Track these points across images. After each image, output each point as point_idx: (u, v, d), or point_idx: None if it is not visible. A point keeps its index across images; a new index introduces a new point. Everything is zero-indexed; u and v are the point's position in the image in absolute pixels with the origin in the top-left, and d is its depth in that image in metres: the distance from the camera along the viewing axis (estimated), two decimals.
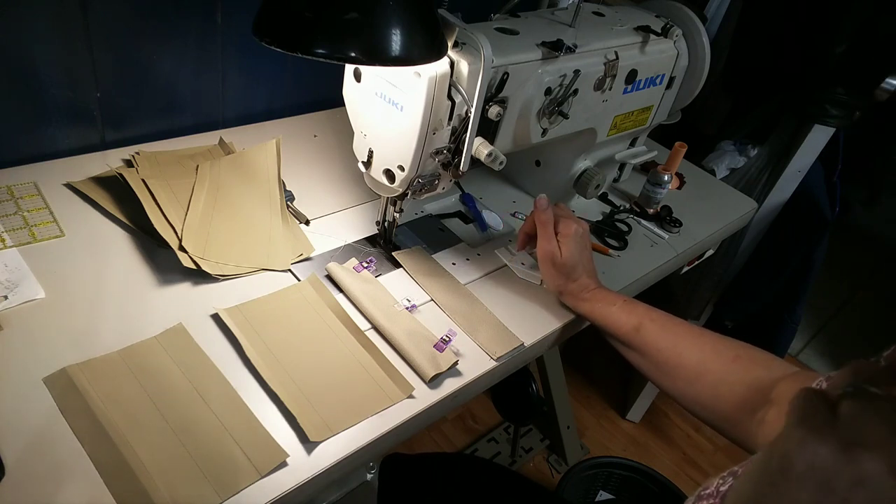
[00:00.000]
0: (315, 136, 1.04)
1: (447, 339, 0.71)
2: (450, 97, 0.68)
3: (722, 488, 0.45)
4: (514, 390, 1.33)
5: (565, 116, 0.83)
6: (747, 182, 1.35)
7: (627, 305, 0.76)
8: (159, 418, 0.58)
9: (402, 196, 0.77)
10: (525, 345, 0.76)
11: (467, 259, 0.87)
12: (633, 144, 1.07)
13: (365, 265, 0.80)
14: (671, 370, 0.71)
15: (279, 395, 0.62)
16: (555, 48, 0.77)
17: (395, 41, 0.57)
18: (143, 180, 0.79)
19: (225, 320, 0.68)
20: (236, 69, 0.98)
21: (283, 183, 0.87)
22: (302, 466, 0.58)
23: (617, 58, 0.85)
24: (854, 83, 1.18)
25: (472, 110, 0.68)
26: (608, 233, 0.98)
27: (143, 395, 0.60)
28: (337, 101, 0.76)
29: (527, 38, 0.77)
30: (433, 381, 0.68)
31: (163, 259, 0.74)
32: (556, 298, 0.82)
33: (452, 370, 0.70)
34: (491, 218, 0.95)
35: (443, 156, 0.72)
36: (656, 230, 1.02)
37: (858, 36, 1.14)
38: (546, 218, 0.78)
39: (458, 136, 0.72)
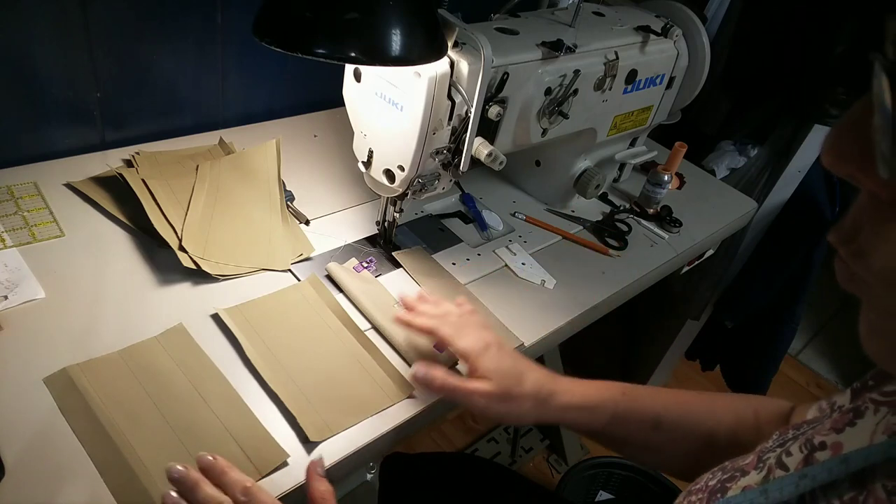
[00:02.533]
0: (315, 136, 1.04)
1: None
2: (450, 97, 0.68)
3: (710, 482, 0.46)
4: None
5: (565, 116, 0.83)
6: (747, 182, 1.34)
7: (628, 401, 0.63)
8: (160, 418, 0.58)
9: (402, 196, 0.77)
10: (525, 345, 0.76)
11: (467, 259, 0.87)
12: (633, 144, 1.07)
13: (365, 265, 0.80)
14: (704, 460, 0.62)
15: (279, 395, 0.62)
16: (555, 48, 0.77)
17: (395, 41, 0.57)
18: (143, 180, 0.79)
19: (225, 320, 0.68)
20: (236, 69, 0.98)
21: (283, 183, 0.87)
22: (302, 466, 0.58)
23: (617, 58, 0.85)
24: (854, 83, 1.18)
25: (472, 110, 0.68)
26: (608, 233, 0.98)
27: (144, 395, 0.60)
28: (337, 101, 0.76)
29: (527, 38, 0.77)
30: None
31: (163, 259, 0.74)
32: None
33: (452, 370, 0.70)
34: (491, 218, 0.95)
35: (443, 156, 0.72)
36: (656, 230, 1.02)
37: (858, 36, 1.14)
38: (438, 386, 0.60)
39: (458, 136, 0.72)
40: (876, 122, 0.25)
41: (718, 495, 0.43)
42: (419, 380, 0.60)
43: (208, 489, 0.48)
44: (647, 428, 0.62)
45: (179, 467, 0.48)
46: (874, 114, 0.25)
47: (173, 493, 0.48)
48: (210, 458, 0.50)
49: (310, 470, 0.54)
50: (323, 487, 0.53)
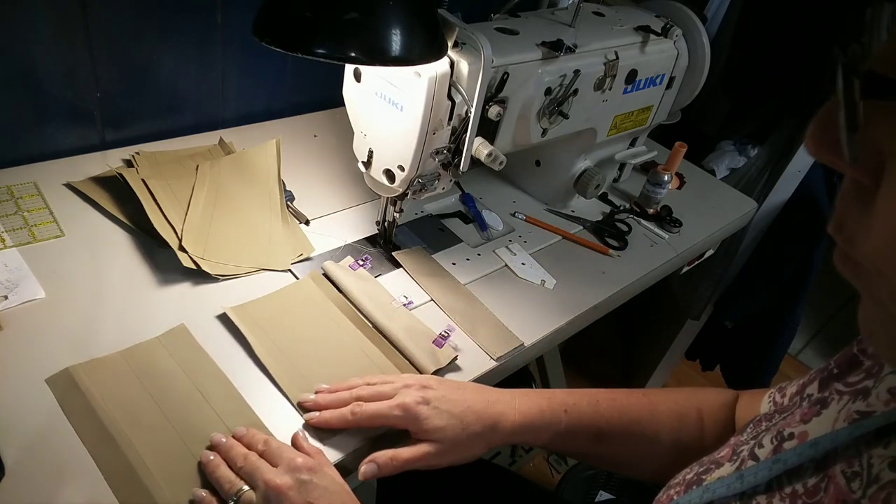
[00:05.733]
0: (315, 136, 1.04)
1: (446, 334, 0.71)
2: (450, 97, 0.68)
3: (688, 476, 0.48)
4: None
5: (565, 116, 0.83)
6: (747, 182, 1.34)
7: (570, 419, 0.63)
8: (162, 419, 0.58)
9: (402, 196, 0.77)
10: (525, 345, 0.76)
11: (467, 259, 0.87)
12: (633, 144, 1.07)
13: (360, 263, 0.80)
14: (647, 462, 0.66)
15: (288, 393, 0.62)
16: (555, 48, 0.77)
17: (395, 41, 0.57)
18: (143, 180, 0.79)
19: (233, 319, 0.68)
20: (236, 69, 0.98)
21: (283, 183, 0.87)
22: None
23: (617, 58, 0.85)
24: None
25: (472, 110, 0.68)
26: (608, 233, 0.98)
27: (146, 396, 0.60)
28: (337, 101, 0.76)
29: (527, 38, 0.77)
30: None
31: (163, 259, 0.74)
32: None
33: (453, 366, 0.70)
34: (491, 218, 0.95)
35: (443, 156, 0.72)
36: (656, 230, 1.02)
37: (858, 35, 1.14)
38: (391, 472, 0.58)
39: (458, 136, 0.72)
40: (839, 116, 0.27)
41: (694, 487, 0.45)
42: (370, 478, 0.57)
43: (239, 448, 0.55)
44: (591, 442, 0.63)
45: (222, 437, 0.56)
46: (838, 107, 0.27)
47: (209, 454, 0.55)
48: (244, 430, 0.58)
49: (296, 437, 0.58)
50: (312, 449, 0.57)
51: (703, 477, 0.46)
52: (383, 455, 0.57)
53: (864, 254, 0.28)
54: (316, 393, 0.62)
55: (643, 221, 1.03)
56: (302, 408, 0.61)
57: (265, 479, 0.51)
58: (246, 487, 0.52)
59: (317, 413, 0.60)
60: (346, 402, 0.60)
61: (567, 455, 0.68)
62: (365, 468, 0.57)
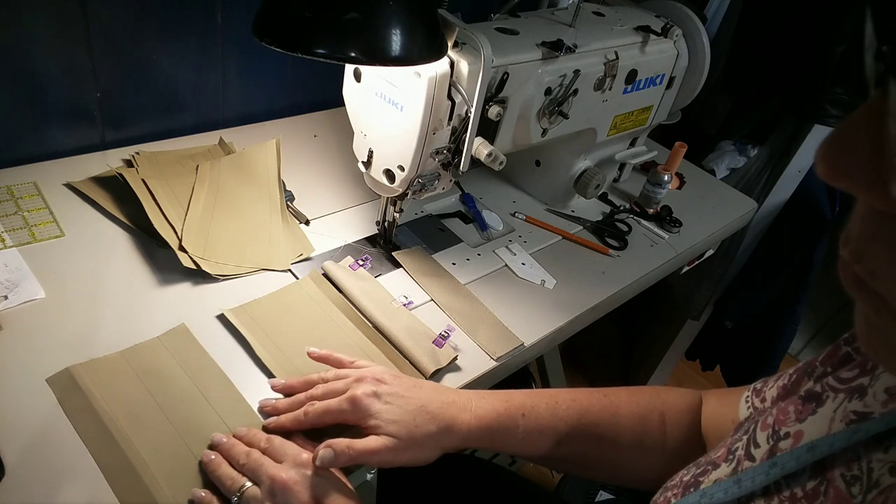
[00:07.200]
0: (315, 136, 1.04)
1: (446, 334, 0.71)
2: (450, 97, 0.68)
3: (685, 478, 0.47)
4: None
5: (565, 116, 0.83)
6: (747, 182, 1.35)
7: (528, 422, 0.61)
8: (163, 418, 0.58)
9: (402, 196, 0.77)
10: (525, 345, 0.76)
11: (467, 259, 0.87)
12: (633, 144, 1.07)
13: (360, 263, 0.80)
14: (608, 464, 0.64)
15: None
16: (555, 48, 0.77)
17: (395, 41, 0.57)
18: (143, 180, 0.79)
19: (232, 321, 0.68)
20: (236, 69, 0.98)
21: (283, 183, 0.87)
22: None
23: (617, 58, 0.85)
24: (854, 83, 1.18)
25: (472, 110, 0.68)
26: (608, 233, 0.98)
27: (147, 396, 0.60)
28: (337, 101, 0.77)
29: (527, 38, 0.77)
30: (434, 378, 0.68)
31: (163, 259, 0.74)
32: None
33: (453, 366, 0.70)
34: (491, 218, 0.95)
35: (443, 156, 0.72)
36: (656, 230, 1.02)
37: (858, 36, 1.14)
38: (342, 463, 0.55)
39: (458, 136, 0.72)
40: (893, 131, 0.22)
41: (692, 489, 0.45)
42: (327, 464, 0.55)
43: (240, 447, 0.55)
44: (550, 445, 0.62)
45: (223, 437, 0.57)
46: (890, 125, 0.21)
47: (210, 453, 0.55)
48: (245, 430, 0.58)
49: (296, 437, 0.58)
50: (314, 447, 0.57)
51: (700, 479, 0.46)
52: (340, 443, 0.55)
53: (890, 292, 0.25)
54: (272, 389, 0.63)
55: (643, 221, 1.03)
56: (261, 411, 0.61)
57: (270, 475, 0.51)
58: (249, 484, 0.52)
59: (274, 417, 0.60)
60: (303, 404, 0.59)
61: (529, 460, 0.65)
62: (322, 452, 0.54)
